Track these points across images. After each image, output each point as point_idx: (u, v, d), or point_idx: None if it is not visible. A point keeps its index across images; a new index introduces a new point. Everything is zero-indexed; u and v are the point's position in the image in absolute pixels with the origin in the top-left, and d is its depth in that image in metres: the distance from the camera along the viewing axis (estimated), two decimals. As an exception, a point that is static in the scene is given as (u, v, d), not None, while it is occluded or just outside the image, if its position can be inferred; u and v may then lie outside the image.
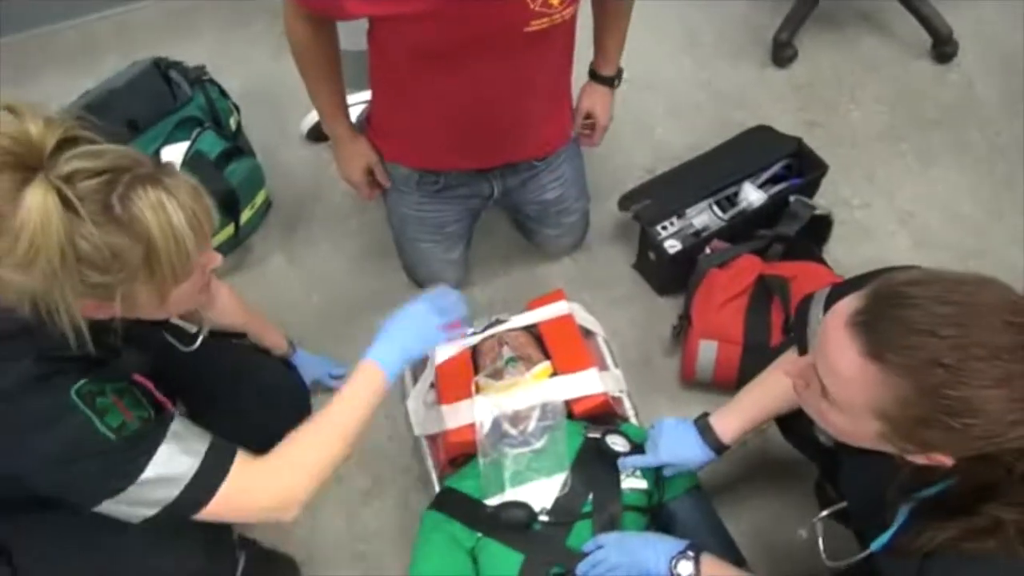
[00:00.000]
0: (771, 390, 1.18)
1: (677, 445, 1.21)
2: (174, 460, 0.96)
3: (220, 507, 0.98)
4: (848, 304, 0.81)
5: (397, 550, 1.47)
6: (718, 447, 1.19)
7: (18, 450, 0.90)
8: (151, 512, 0.96)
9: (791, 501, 1.48)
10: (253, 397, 1.33)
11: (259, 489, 1.01)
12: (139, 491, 0.93)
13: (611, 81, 1.58)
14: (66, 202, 0.79)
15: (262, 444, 1.21)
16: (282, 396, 1.37)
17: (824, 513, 1.14)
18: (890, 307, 0.77)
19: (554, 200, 1.66)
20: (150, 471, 0.93)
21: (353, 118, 1.57)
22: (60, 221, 0.79)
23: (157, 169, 0.87)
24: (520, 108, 1.43)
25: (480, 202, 1.64)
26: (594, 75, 1.59)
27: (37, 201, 0.78)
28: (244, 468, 1.00)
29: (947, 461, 0.80)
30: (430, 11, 1.16)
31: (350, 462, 1.56)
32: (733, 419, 1.19)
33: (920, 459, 0.82)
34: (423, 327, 1.15)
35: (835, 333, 0.80)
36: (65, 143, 0.82)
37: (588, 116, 1.61)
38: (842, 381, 0.81)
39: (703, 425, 1.20)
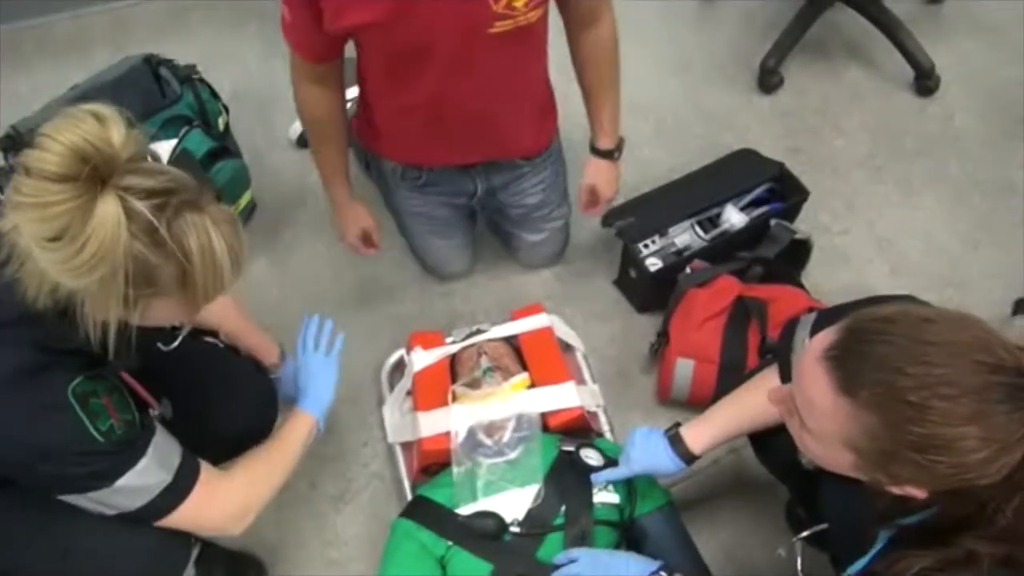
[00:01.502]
0: (743, 407, 1.19)
1: (648, 454, 1.22)
2: (149, 472, 1.00)
3: (175, 519, 1.05)
4: (823, 338, 0.82)
5: (367, 556, 1.46)
6: (688, 457, 1.20)
7: (8, 435, 0.91)
8: (110, 512, 1.00)
9: (762, 521, 1.49)
10: (225, 397, 1.33)
11: (214, 508, 1.09)
12: (108, 495, 0.97)
13: (611, 154, 1.57)
14: (130, 217, 0.80)
15: (229, 443, 1.26)
16: (251, 396, 1.37)
17: (805, 534, 1.15)
18: (862, 343, 0.78)
19: (536, 205, 1.68)
20: (126, 479, 0.97)
21: None
22: (126, 236, 0.80)
23: (202, 194, 0.89)
24: (493, 109, 1.44)
25: (466, 200, 1.66)
26: (594, 150, 1.58)
27: (111, 213, 0.79)
28: (204, 486, 1.07)
29: (919, 494, 0.81)
30: (394, 16, 1.19)
31: (323, 469, 1.56)
32: (703, 431, 1.20)
33: (895, 490, 0.83)
34: (327, 375, 1.32)
35: (810, 367, 0.82)
36: (135, 157, 0.83)
37: (591, 190, 1.61)
38: (816, 413, 0.82)
39: (673, 435, 1.21)
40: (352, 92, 1.83)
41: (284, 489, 1.49)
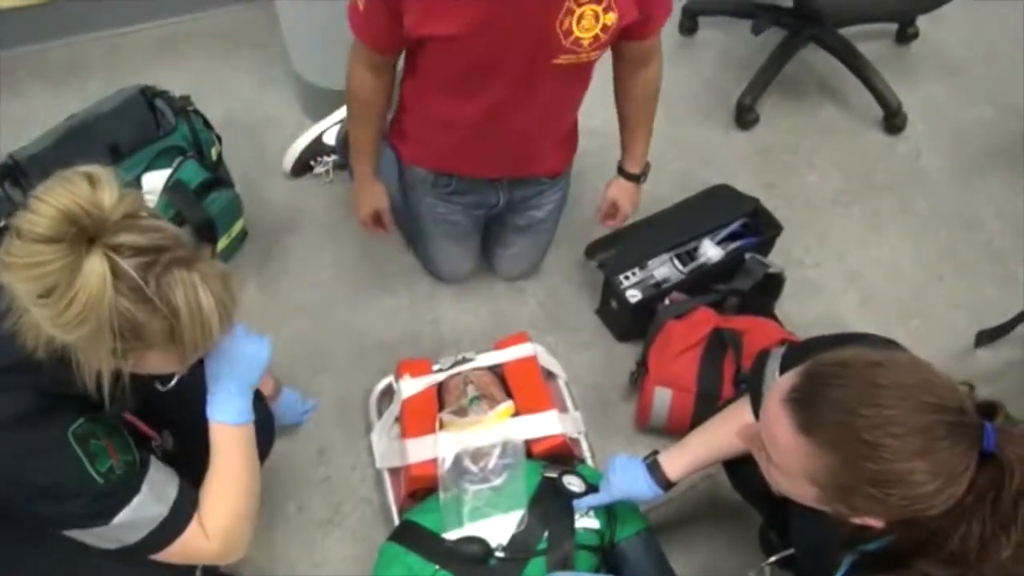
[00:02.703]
0: (717, 436, 1.25)
1: (627, 481, 1.28)
2: (145, 507, 1.02)
3: (175, 552, 1.06)
4: (786, 381, 0.90)
5: (355, 580, 1.50)
6: (665, 484, 1.27)
7: (9, 476, 0.95)
8: (112, 547, 1.02)
9: (737, 545, 1.55)
10: None
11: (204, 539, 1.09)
12: (107, 531, 1.00)
13: (637, 178, 1.68)
14: (116, 275, 0.84)
15: None
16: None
17: (773, 559, 1.21)
18: (819, 387, 0.86)
19: (542, 218, 1.77)
20: (123, 515, 1.00)
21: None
22: (111, 293, 0.84)
23: (194, 252, 0.92)
24: (535, 133, 1.53)
25: (486, 210, 1.74)
26: (622, 171, 1.68)
27: (97, 271, 0.82)
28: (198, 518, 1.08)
29: (876, 523, 0.88)
30: (473, 33, 1.27)
31: (312, 493, 1.60)
32: (680, 459, 1.27)
33: (855, 519, 0.90)
34: (239, 359, 1.13)
35: (774, 408, 0.89)
36: (128, 216, 0.87)
37: (614, 205, 1.71)
38: (780, 450, 0.90)
39: (651, 463, 1.28)
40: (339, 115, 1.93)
41: (273, 513, 1.55)
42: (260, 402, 1.42)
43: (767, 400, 0.91)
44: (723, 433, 1.26)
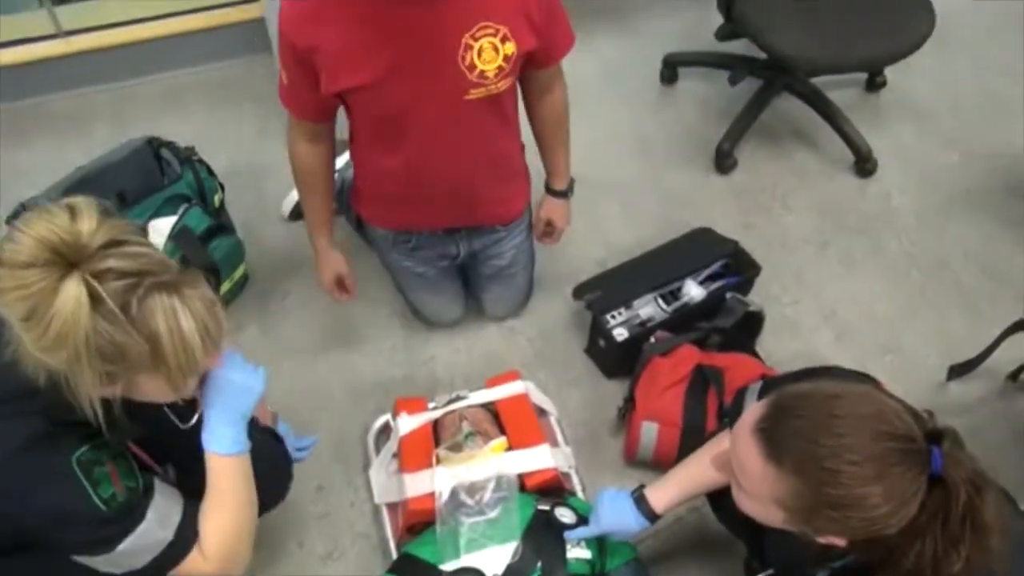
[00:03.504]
0: (701, 469, 1.32)
1: (615, 514, 1.34)
2: (151, 533, 1.06)
3: (174, 573, 1.09)
4: (754, 412, 0.98)
5: (354, 613, 1.55)
6: (652, 516, 1.33)
7: (14, 500, 0.98)
8: (118, 571, 1.06)
9: (723, 574, 1.61)
10: None
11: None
12: (114, 556, 1.04)
13: (564, 194, 1.78)
14: (94, 300, 0.87)
15: None
16: (267, 475, 1.42)
17: None
18: (783, 418, 0.95)
19: (507, 264, 1.85)
20: (128, 542, 1.04)
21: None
22: (87, 317, 0.87)
23: (180, 276, 0.95)
24: (469, 176, 1.60)
25: (449, 262, 1.83)
26: (549, 190, 1.79)
27: (72, 296, 0.86)
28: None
29: (840, 542, 0.96)
30: (380, 80, 1.35)
31: (312, 528, 1.65)
32: (665, 492, 1.33)
33: (820, 539, 0.97)
34: (230, 388, 1.14)
35: (743, 438, 0.98)
36: (113, 243, 0.90)
37: (549, 223, 1.81)
38: (749, 477, 0.98)
39: (638, 496, 1.34)
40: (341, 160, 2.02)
41: (274, 548, 1.60)
42: (279, 443, 1.46)
43: (737, 430, 0.99)
44: (706, 466, 1.32)
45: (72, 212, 0.90)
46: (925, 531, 0.89)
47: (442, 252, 1.80)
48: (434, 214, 1.70)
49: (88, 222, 0.89)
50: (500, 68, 1.38)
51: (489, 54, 1.36)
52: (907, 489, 0.88)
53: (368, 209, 1.75)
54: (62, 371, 0.92)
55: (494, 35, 1.35)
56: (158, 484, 1.10)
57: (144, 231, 1.79)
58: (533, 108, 1.65)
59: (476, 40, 1.34)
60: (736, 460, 0.99)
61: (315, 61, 1.35)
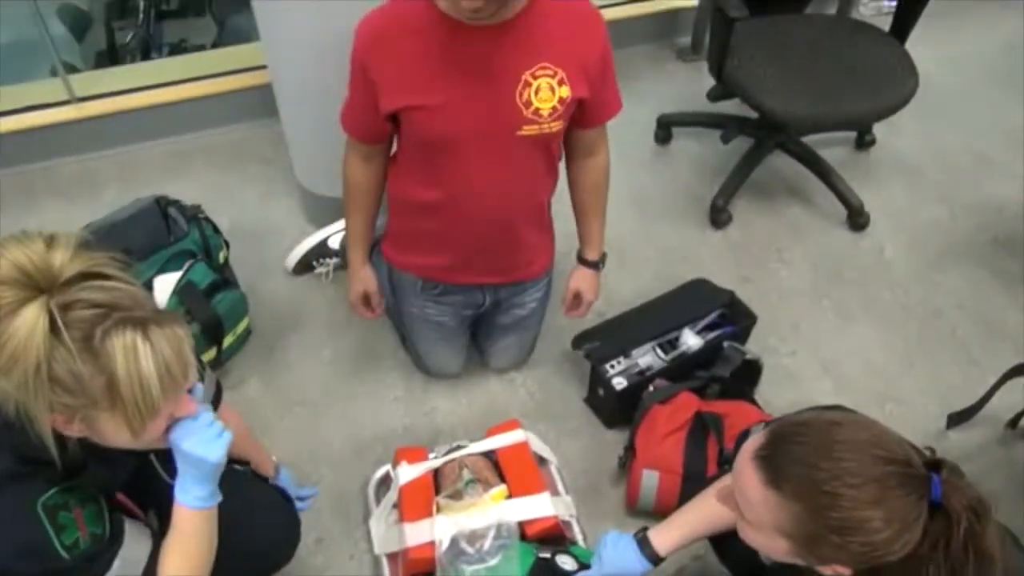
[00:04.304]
0: (703, 512, 1.32)
1: (618, 556, 1.33)
2: None
3: None
4: (754, 441, 0.99)
5: (353, 668, 1.52)
6: (654, 559, 1.32)
7: None
8: None
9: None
10: (248, 534, 1.32)
11: None
12: None
13: (596, 265, 1.81)
14: (54, 327, 0.86)
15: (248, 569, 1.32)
16: (278, 535, 1.43)
17: None
18: (783, 444, 0.96)
19: (526, 316, 1.87)
20: None
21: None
22: (42, 342, 0.86)
23: (153, 315, 0.92)
24: (510, 218, 1.63)
25: (473, 311, 1.85)
26: (581, 260, 1.81)
27: (29, 319, 0.85)
28: None
29: (845, 572, 0.95)
30: (440, 102, 1.41)
31: (311, 581, 1.64)
32: (669, 534, 1.32)
33: (826, 570, 0.97)
34: (186, 453, 1.07)
35: (744, 466, 0.99)
36: (90, 276, 0.90)
37: (577, 295, 1.83)
38: (752, 505, 0.98)
39: (641, 538, 1.33)
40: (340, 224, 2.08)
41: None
42: (288, 504, 1.46)
43: (738, 460, 1.00)
44: (708, 509, 1.32)
45: (49, 242, 0.90)
46: (928, 559, 0.90)
47: (469, 300, 1.82)
48: (467, 262, 1.71)
49: (63, 253, 0.89)
50: (554, 108, 1.44)
51: (546, 93, 1.42)
52: (908, 514, 0.88)
53: (400, 256, 1.78)
54: (16, 400, 0.90)
55: (552, 76, 1.42)
56: (128, 528, 1.09)
57: (149, 286, 1.82)
58: (576, 171, 1.69)
59: (535, 78, 1.41)
60: (738, 489, 1.00)
61: (378, 79, 1.42)
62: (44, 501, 0.97)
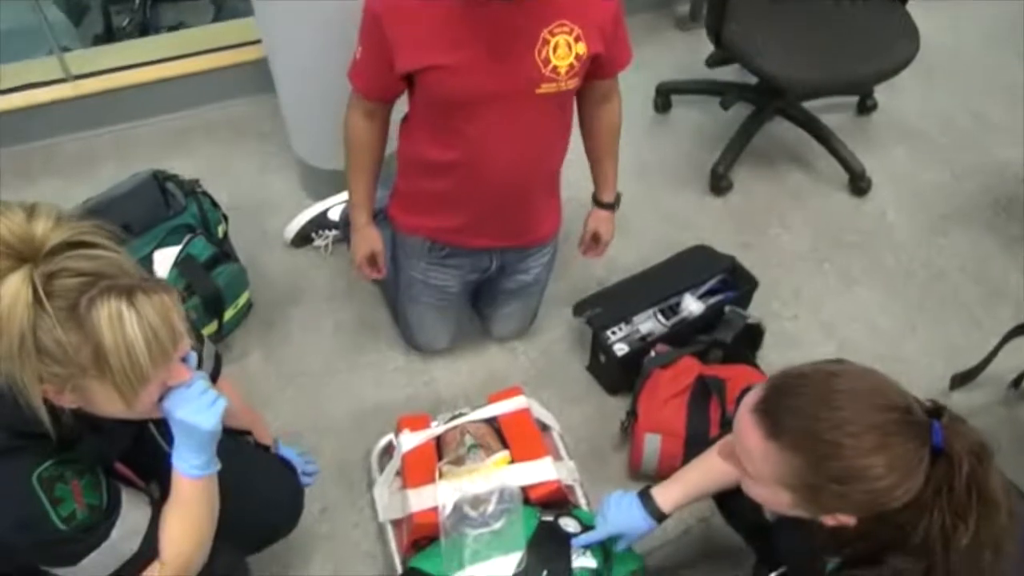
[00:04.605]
0: (707, 469, 1.32)
1: (622, 515, 1.34)
2: (115, 548, 1.04)
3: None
4: (753, 395, 0.99)
5: (359, 633, 1.53)
6: (658, 516, 1.32)
7: None
8: None
9: (731, 586, 1.59)
10: (251, 502, 1.32)
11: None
12: (76, 571, 1.03)
13: (612, 206, 1.83)
14: (36, 296, 0.86)
15: (251, 545, 1.34)
16: (282, 503, 1.44)
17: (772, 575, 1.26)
18: (782, 396, 0.95)
19: (532, 281, 1.87)
20: (92, 558, 1.02)
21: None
22: (25, 311, 0.86)
23: (140, 283, 0.92)
24: (525, 180, 1.63)
25: (479, 275, 1.84)
26: (597, 202, 1.83)
27: (11, 289, 0.85)
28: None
29: (849, 521, 0.95)
30: (459, 62, 1.41)
31: (317, 549, 1.64)
32: (672, 491, 1.33)
33: (830, 521, 0.97)
34: (179, 421, 1.06)
35: (744, 419, 0.98)
36: (75, 245, 0.90)
37: (594, 236, 1.85)
38: (752, 458, 0.98)
39: (645, 496, 1.33)
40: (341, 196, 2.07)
41: (278, 569, 1.59)
42: (292, 474, 1.47)
43: (738, 414, 0.99)
44: (712, 465, 1.32)
45: (30, 212, 0.90)
46: (932, 505, 0.89)
47: (475, 264, 1.81)
48: (479, 224, 1.70)
49: (44, 222, 0.89)
50: (571, 66, 1.45)
51: (563, 50, 1.44)
52: (910, 460, 0.88)
53: (408, 218, 1.77)
54: (8, 371, 0.90)
55: (569, 33, 1.43)
56: (125, 498, 1.08)
57: (149, 260, 1.82)
58: (591, 118, 1.71)
59: (553, 36, 1.42)
60: (739, 444, 0.99)
61: (394, 38, 1.41)
62: (39, 474, 0.97)
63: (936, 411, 0.93)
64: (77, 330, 0.88)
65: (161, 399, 1.03)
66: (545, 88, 1.47)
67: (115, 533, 1.04)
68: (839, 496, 0.91)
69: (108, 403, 0.96)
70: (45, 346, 0.88)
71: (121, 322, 0.90)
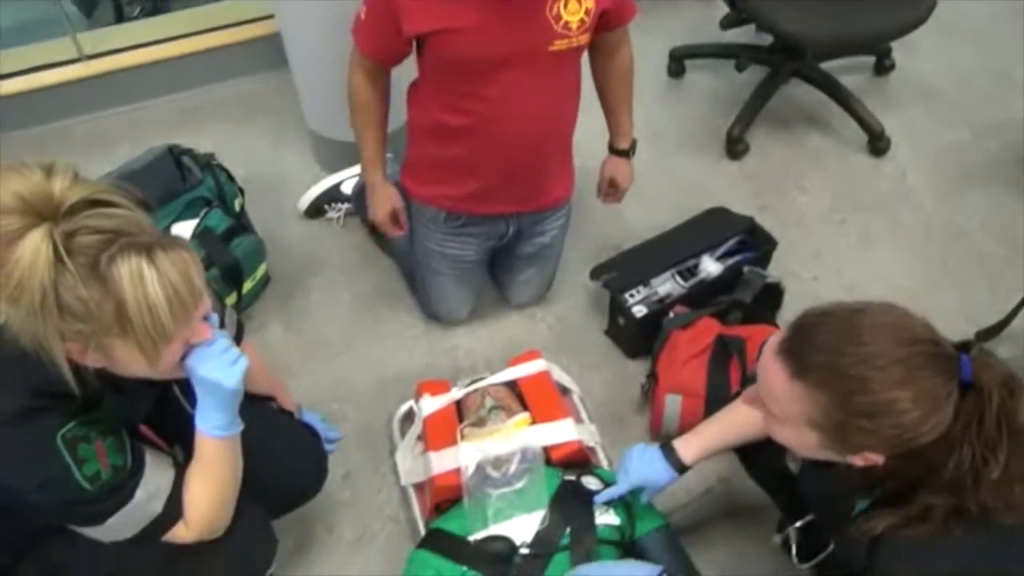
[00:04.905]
0: (729, 422, 1.32)
1: (644, 466, 1.33)
2: (139, 509, 1.06)
3: (170, 537, 1.11)
4: (776, 336, 0.98)
5: (385, 596, 1.54)
6: (680, 467, 1.32)
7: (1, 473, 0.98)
8: (105, 539, 1.07)
9: (752, 543, 1.58)
10: (275, 467, 1.31)
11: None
12: (104, 530, 1.05)
13: (627, 153, 1.82)
14: (57, 253, 0.86)
15: (275, 509, 1.35)
16: (305, 468, 1.45)
17: (798, 524, 1.25)
18: (806, 335, 0.94)
19: (547, 244, 1.86)
20: (117, 518, 1.04)
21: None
22: (46, 268, 0.86)
23: (159, 240, 0.92)
24: (540, 141, 1.63)
25: (496, 241, 1.83)
26: (613, 150, 1.83)
27: (32, 246, 0.86)
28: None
29: (878, 459, 0.94)
30: (471, 23, 1.40)
31: (340, 515, 1.65)
32: (694, 443, 1.32)
33: (858, 460, 0.96)
34: (202, 379, 1.06)
35: (767, 361, 0.97)
36: (93, 203, 0.90)
37: (612, 183, 1.85)
38: (778, 400, 0.97)
39: (667, 448, 1.33)
40: (353, 171, 2.07)
41: (303, 534, 1.60)
42: (316, 439, 1.47)
43: (762, 357, 0.99)
44: (733, 420, 1.32)
45: (48, 171, 0.89)
46: (961, 439, 0.89)
47: (492, 231, 1.80)
48: (494, 189, 1.69)
49: (61, 180, 0.89)
50: (582, 21, 1.45)
51: (573, 6, 1.43)
52: (938, 393, 0.87)
53: (422, 188, 1.75)
54: (29, 330, 0.90)
55: None
56: (149, 459, 1.09)
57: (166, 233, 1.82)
58: (602, 68, 1.71)
59: None
60: (764, 386, 0.99)
61: (402, 1, 1.40)
62: (63, 434, 0.98)
63: (964, 345, 0.91)
64: (99, 287, 0.89)
65: (184, 358, 1.04)
66: (558, 45, 1.46)
67: (139, 494, 1.06)
68: (867, 432, 0.90)
69: (131, 362, 0.97)
70: (67, 303, 0.89)
71: (142, 279, 0.90)
